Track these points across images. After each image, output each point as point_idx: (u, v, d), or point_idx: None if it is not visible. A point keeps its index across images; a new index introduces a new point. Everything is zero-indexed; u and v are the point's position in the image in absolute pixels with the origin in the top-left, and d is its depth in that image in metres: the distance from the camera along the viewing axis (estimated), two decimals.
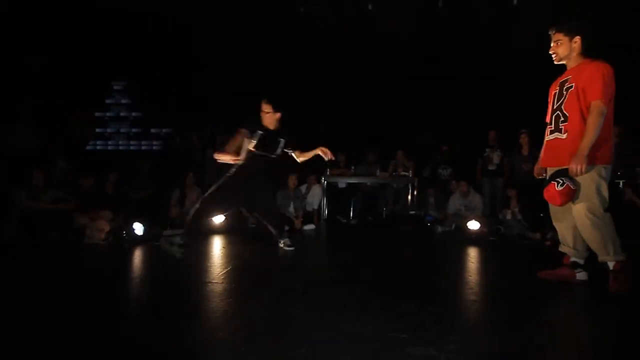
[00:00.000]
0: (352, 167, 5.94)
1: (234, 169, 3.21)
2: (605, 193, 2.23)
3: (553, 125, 2.40)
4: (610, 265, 2.23)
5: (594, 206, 2.20)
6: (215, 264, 2.95)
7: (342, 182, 6.10)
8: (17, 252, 3.47)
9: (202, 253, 3.40)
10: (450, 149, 6.12)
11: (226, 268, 2.84)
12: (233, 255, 3.42)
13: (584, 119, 2.21)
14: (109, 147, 8.30)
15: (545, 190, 2.33)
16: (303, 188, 5.46)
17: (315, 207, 5.45)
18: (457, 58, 6.43)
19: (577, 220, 2.27)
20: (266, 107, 3.28)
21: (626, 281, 2.20)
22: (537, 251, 3.98)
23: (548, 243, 4.22)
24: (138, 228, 3.82)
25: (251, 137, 3.20)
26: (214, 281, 2.50)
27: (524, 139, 5.30)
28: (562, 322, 1.91)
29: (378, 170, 5.88)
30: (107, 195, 4.88)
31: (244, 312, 1.98)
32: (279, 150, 3.35)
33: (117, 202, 4.75)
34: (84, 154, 7.16)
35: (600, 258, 2.27)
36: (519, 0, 6.07)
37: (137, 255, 3.39)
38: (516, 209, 4.83)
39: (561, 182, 2.23)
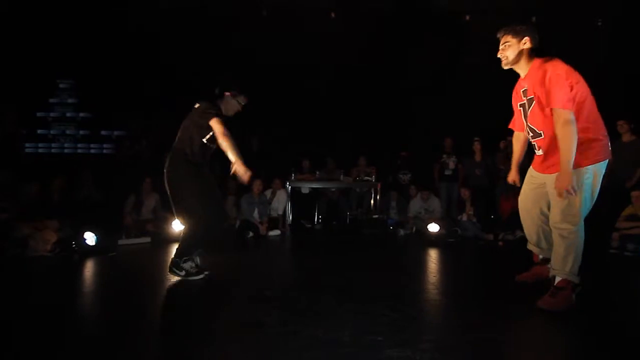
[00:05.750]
0: (317, 173, 5.96)
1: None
2: (587, 195, 2.02)
3: (530, 141, 2.24)
4: (557, 280, 2.06)
5: (566, 214, 2.02)
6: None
7: (305, 188, 6.10)
8: None
9: (163, 263, 3.23)
10: (409, 154, 6.36)
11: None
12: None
13: (554, 131, 2.00)
14: (53, 150, 7.67)
15: None
16: (268, 193, 5.38)
17: (280, 212, 5.40)
18: (414, 66, 6.70)
19: (551, 225, 2.12)
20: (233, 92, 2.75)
21: (563, 303, 2.00)
22: (492, 251, 4.24)
23: (501, 244, 4.54)
24: (90, 238, 3.55)
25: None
26: (178, 294, 2.39)
27: (476, 146, 5.65)
28: (527, 317, 2.02)
29: (342, 175, 5.95)
30: (52, 202, 4.49)
31: (212, 324, 1.90)
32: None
33: (64, 210, 4.38)
34: (21, 156, 6.49)
35: (551, 272, 2.10)
36: (472, 15, 6.48)
37: (89, 268, 3.15)
38: (471, 212, 5.12)
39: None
